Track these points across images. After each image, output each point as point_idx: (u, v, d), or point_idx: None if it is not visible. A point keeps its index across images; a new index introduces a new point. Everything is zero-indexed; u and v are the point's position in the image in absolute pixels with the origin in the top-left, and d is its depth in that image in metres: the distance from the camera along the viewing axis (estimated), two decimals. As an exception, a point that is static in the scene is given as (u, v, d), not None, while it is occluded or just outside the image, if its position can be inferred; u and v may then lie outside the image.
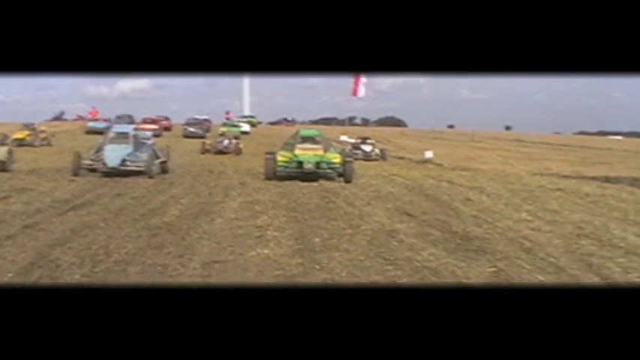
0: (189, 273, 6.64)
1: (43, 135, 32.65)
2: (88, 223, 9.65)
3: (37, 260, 7.16)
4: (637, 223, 11.49)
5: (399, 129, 79.90)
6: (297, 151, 17.66)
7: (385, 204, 12.63)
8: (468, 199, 13.91)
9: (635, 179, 21.74)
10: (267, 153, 18.15)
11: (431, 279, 6.58)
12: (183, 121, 48.41)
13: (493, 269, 7.19)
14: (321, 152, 17.86)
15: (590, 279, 7.04)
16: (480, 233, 9.59)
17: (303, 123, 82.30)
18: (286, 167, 17.29)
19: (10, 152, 18.82)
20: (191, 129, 43.46)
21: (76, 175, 16.46)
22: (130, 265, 7.05)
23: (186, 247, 7.90)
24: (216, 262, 7.12)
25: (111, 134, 18.57)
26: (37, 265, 6.97)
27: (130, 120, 43.35)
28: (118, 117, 45.87)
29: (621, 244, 9.18)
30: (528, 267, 7.42)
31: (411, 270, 6.95)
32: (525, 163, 32.22)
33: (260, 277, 6.53)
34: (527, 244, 8.83)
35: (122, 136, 18.26)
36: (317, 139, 19.08)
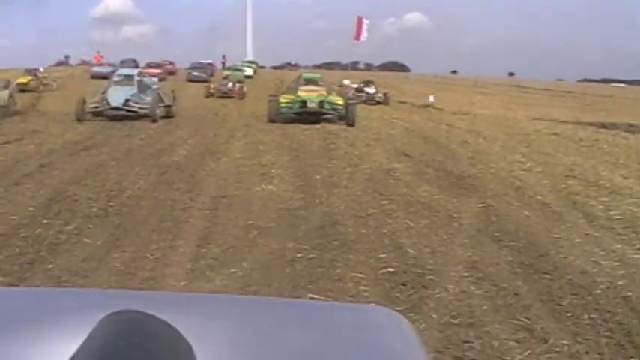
0: (198, 207, 7.04)
1: (45, 81, 32.77)
2: (100, 162, 10.03)
3: (55, 196, 7.57)
4: (626, 167, 11.84)
5: (402, 74, 79.27)
6: (300, 92, 17.69)
7: (384, 146, 12.96)
8: (465, 142, 14.24)
9: (630, 125, 21.95)
10: (271, 95, 18.21)
11: (423, 212, 6.99)
12: (187, 65, 48.38)
13: (482, 205, 7.58)
14: (324, 93, 17.88)
15: (574, 215, 7.44)
16: (473, 173, 9.96)
17: (306, 67, 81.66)
18: (290, 108, 17.31)
19: (11, 96, 18.95)
20: (195, 73, 43.46)
21: (79, 120, 16.43)
22: (143, 199, 7.46)
23: (195, 184, 8.29)
24: (224, 196, 7.52)
25: (115, 77, 18.72)
26: (55, 200, 7.38)
27: (134, 64, 43.21)
28: (122, 61, 45.74)
29: (607, 185, 9.56)
30: (516, 204, 7.82)
31: (405, 204, 7.35)
32: (526, 108, 32.13)
33: (264, 210, 6.94)
34: (518, 183, 9.22)
35: (127, 79, 18.39)
36: (319, 82, 19.17)
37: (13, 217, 6.57)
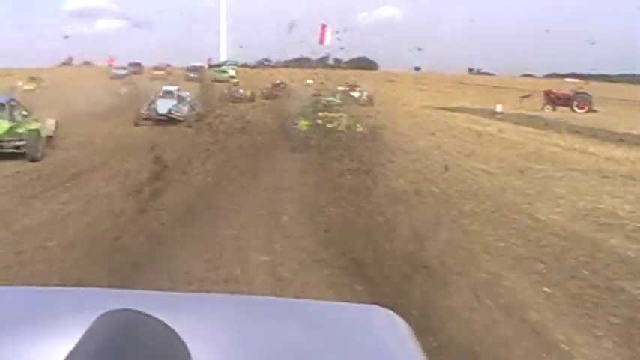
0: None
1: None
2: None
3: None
4: (428, 130, 27.21)
5: (358, 71, 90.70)
6: (319, 121, 20.45)
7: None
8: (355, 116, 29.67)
9: (480, 109, 36.02)
10: (293, 124, 21.32)
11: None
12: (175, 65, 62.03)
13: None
14: (343, 115, 20.93)
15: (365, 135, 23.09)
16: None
17: (277, 63, 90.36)
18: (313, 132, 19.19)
19: (57, 125, 18.56)
20: (191, 74, 57.22)
21: (136, 124, 22.91)
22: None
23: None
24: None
25: (160, 92, 26.13)
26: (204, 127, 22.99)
27: (139, 67, 56.55)
28: (130, 64, 58.80)
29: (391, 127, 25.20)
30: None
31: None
32: (438, 100, 43.00)
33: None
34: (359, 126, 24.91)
35: (169, 93, 26.18)
36: (336, 107, 22.28)
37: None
